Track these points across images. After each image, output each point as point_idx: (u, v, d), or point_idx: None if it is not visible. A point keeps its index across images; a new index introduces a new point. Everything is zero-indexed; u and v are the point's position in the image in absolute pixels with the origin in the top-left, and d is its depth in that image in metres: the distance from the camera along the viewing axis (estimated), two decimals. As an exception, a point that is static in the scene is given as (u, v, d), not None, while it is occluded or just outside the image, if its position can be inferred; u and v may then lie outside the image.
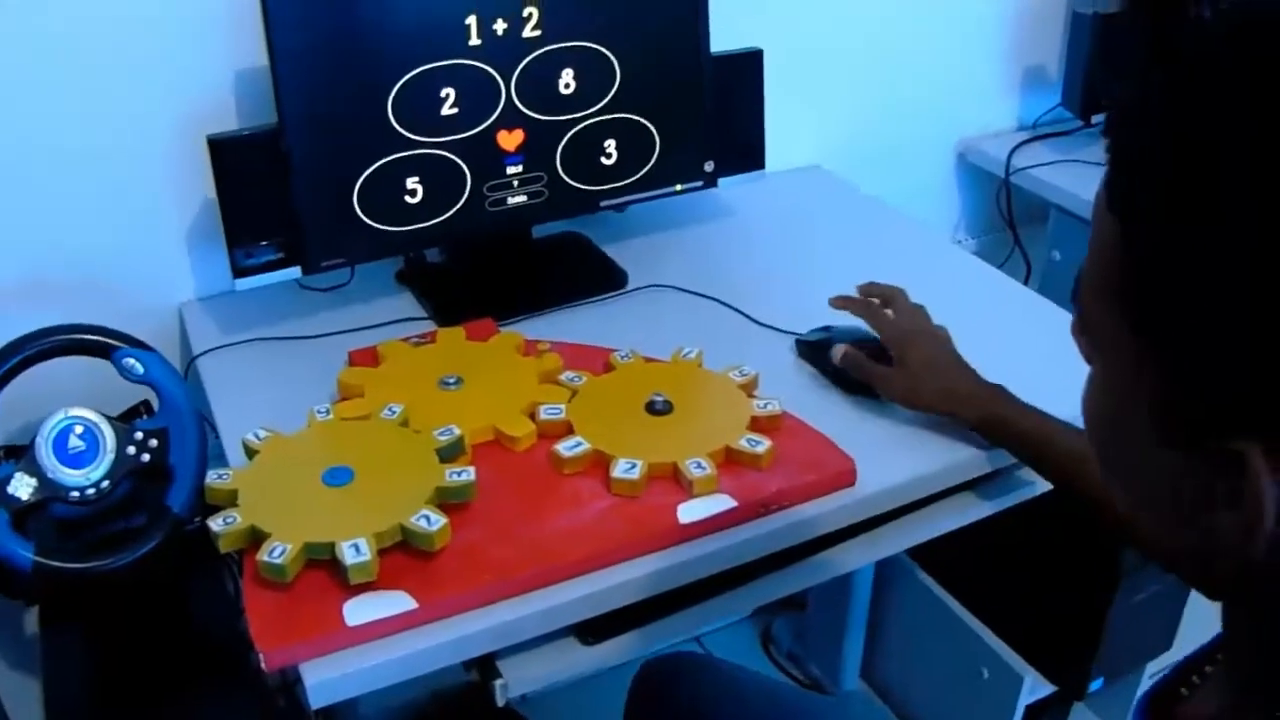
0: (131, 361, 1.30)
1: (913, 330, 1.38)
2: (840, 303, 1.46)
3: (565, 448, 1.26)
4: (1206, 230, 0.50)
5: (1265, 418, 0.51)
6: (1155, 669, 1.92)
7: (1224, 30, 0.52)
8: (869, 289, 1.47)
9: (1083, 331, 0.61)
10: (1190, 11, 0.54)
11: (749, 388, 1.38)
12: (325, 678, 1.05)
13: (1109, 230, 0.57)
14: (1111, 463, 0.64)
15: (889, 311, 1.42)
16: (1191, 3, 0.54)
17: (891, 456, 1.31)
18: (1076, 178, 2.13)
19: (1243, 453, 0.52)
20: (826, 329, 1.48)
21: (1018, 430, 1.27)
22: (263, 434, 1.28)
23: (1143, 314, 0.55)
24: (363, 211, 1.53)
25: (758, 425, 1.30)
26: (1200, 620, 1.84)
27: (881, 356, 1.37)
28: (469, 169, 1.57)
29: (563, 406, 1.33)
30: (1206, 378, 0.53)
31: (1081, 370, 0.63)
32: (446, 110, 1.53)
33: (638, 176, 1.70)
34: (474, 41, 1.51)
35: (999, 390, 1.31)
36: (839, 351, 1.41)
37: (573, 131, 1.63)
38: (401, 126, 1.51)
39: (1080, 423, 0.64)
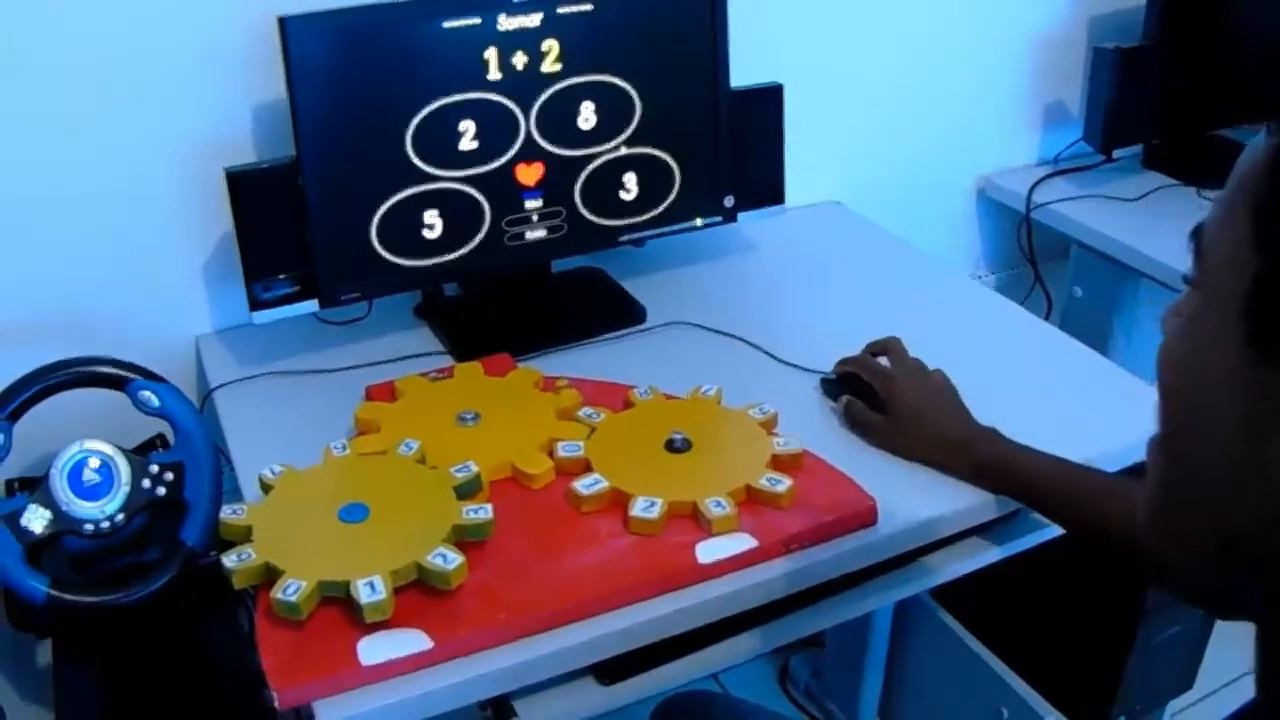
0: (147, 394, 1.30)
1: (903, 377, 1.38)
2: (838, 366, 1.46)
3: (583, 485, 1.25)
4: None
5: None
6: (1177, 708, 1.90)
7: None
8: (869, 346, 1.46)
9: (1195, 270, 0.64)
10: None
11: (769, 425, 1.36)
12: (339, 717, 1.04)
13: (1267, 150, 0.60)
14: (1179, 419, 0.67)
15: (883, 359, 1.41)
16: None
17: (913, 497, 1.29)
18: (1098, 213, 2.12)
19: None
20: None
21: (1015, 475, 1.26)
22: (278, 469, 1.27)
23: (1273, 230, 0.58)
24: (381, 245, 1.52)
25: (778, 464, 1.29)
26: (1222, 660, 1.82)
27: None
28: (488, 203, 1.57)
29: (581, 444, 1.31)
30: None
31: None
32: (466, 144, 1.53)
33: (657, 211, 1.70)
34: (493, 75, 1.51)
35: (990, 434, 1.30)
36: (843, 401, 1.42)
37: (592, 166, 1.62)
38: (420, 160, 1.51)
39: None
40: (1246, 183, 0.60)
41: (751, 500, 1.25)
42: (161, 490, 1.28)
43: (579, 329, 1.64)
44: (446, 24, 1.47)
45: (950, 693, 1.90)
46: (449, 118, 1.51)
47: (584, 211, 1.64)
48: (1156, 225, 2.06)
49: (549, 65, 1.54)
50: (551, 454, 1.31)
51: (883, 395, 1.37)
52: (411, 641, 1.08)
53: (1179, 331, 0.66)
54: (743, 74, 1.70)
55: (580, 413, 1.38)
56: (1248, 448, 0.61)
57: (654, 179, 1.68)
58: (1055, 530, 1.36)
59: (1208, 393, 0.63)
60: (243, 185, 1.47)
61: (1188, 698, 1.88)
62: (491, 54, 1.50)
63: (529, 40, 1.52)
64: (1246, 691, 0.66)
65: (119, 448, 1.28)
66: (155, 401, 1.30)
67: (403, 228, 1.53)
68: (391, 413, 1.39)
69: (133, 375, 1.30)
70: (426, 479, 1.25)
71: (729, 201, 1.74)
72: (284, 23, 1.39)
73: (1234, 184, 0.61)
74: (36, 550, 1.24)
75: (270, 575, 1.12)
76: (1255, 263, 0.58)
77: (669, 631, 1.17)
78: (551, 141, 1.58)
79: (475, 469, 1.25)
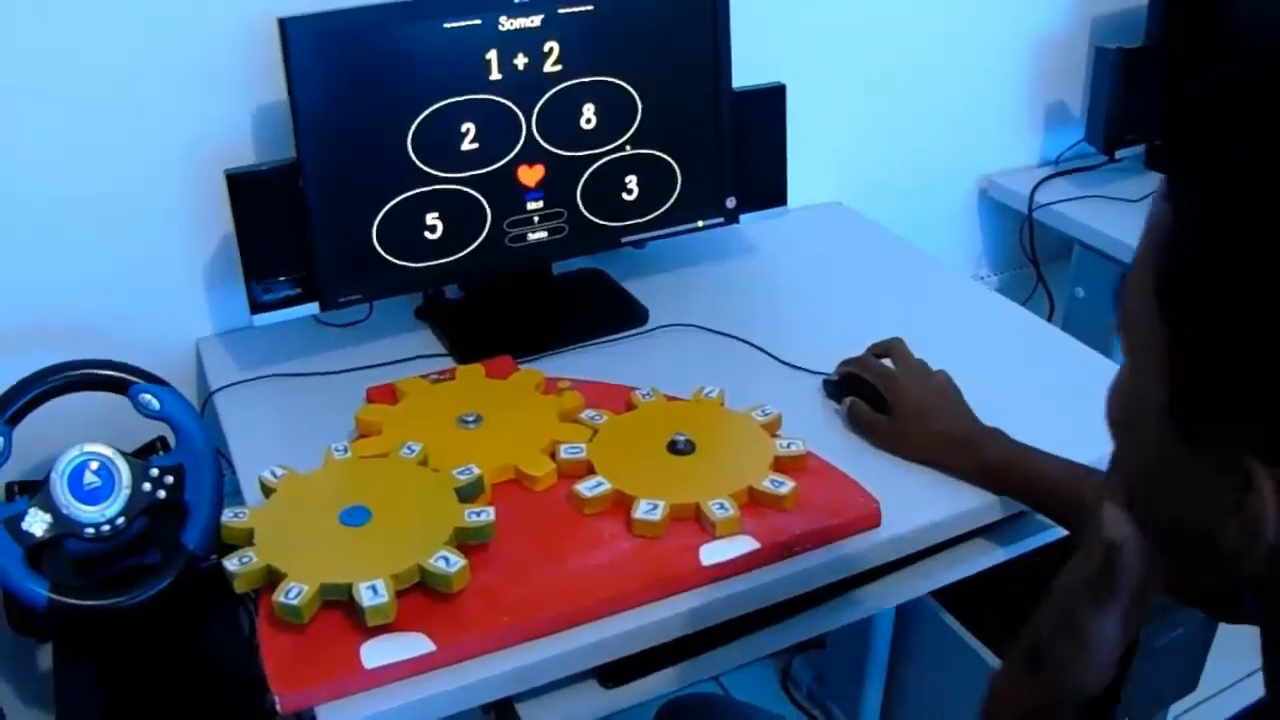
0: (148, 397, 1.29)
1: (906, 377, 1.38)
2: (841, 367, 1.45)
3: (586, 488, 1.24)
4: (1244, 219, 0.50)
5: (1270, 431, 0.52)
6: (1180, 710, 1.89)
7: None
8: (872, 347, 1.46)
9: (1120, 325, 0.62)
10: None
11: (771, 427, 1.36)
12: (341, 721, 1.03)
13: (1161, 216, 0.57)
14: (1126, 466, 0.65)
15: (886, 361, 1.41)
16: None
17: (917, 498, 1.29)
18: (1100, 214, 2.12)
19: (1247, 466, 0.53)
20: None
21: (1019, 476, 1.25)
22: (279, 472, 1.26)
23: (1176, 301, 0.55)
24: (381, 247, 1.52)
25: (781, 466, 1.28)
26: (1225, 662, 1.81)
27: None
28: (489, 205, 1.57)
29: (583, 446, 1.31)
30: (1220, 378, 0.53)
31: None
32: (467, 145, 1.52)
33: (659, 212, 1.69)
34: (495, 76, 1.51)
35: (995, 434, 1.29)
36: (846, 402, 1.41)
37: (594, 167, 1.62)
38: (421, 162, 1.50)
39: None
40: (1147, 254, 0.58)
41: (754, 502, 1.25)
42: (162, 493, 1.28)
43: (581, 331, 1.64)
44: (447, 25, 1.46)
45: (953, 695, 1.90)
46: (450, 119, 1.50)
47: (585, 213, 1.64)
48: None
49: (550, 66, 1.54)
50: (554, 456, 1.31)
51: (886, 396, 1.36)
52: (414, 645, 1.07)
53: (1118, 378, 0.64)
54: (744, 74, 1.70)
55: (582, 415, 1.38)
56: (1206, 497, 0.58)
57: (656, 180, 1.67)
58: (1059, 532, 1.36)
59: (1152, 449, 0.61)
60: (243, 187, 1.47)
61: (1191, 699, 1.87)
62: (492, 55, 1.50)
63: (530, 41, 1.51)
64: (1249, 694, 0.66)
65: (119, 451, 1.28)
66: (156, 404, 1.29)
67: (404, 229, 1.53)
68: (393, 415, 1.38)
69: (133, 378, 1.29)
70: (428, 481, 1.24)
71: (731, 203, 1.74)
72: (284, 24, 1.38)
73: (1142, 246, 0.59)
74: (37, 554, 1.24)
75: (272, 578, 1.12)
76: (1166, 334, 0.57)
77: (672, 634, 1.16)
78: (553, 142, 1.58)
79: (477, 471, 1.24)
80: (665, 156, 1.67)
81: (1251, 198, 0.49)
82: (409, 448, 1.29)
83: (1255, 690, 0.67)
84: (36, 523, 1.23)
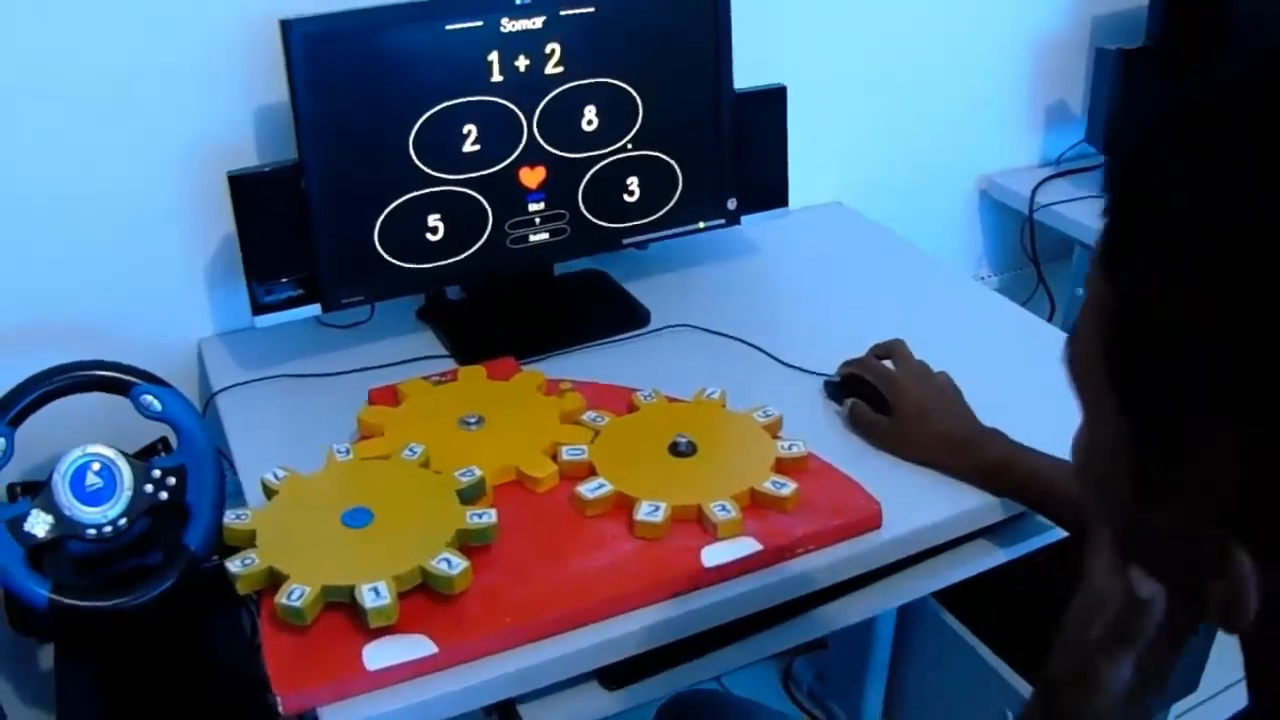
0: (150, 398, 1.29)
1: (907, 378, 1.38)
2: (843, 368, 1.45)
3: (588, 489, 1.24)
4: (1180, 289, 0.49)
5: (1246, 512, 0.51)
6: (1180, 710, 1.89)
7: (1216, 97, 0.51)
8: (873, 348, 1.46)
9: (1072, 385, 0.62)
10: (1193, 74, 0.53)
11: (773, 429, 1.36)
12: (343, 723, 1.03)
13: (1099, 282, 0.57)
14: (1101, 517, 0.65)
15: (887, 362, 1.41)
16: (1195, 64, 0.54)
17: (918, 499, 1.29)
18: (1101, 214, 2.11)
19: (1218, 539, 0.52)
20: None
21: (1021, 477, 1.25)
22: (281, 473, 1.26)
23: (1121, 370, 0.55)
24: (383, 249, 1.52)
25: (783, 467, 1.28)
26: (1226, 663, 1.81)
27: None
28: (490, 206, 1.57)
29: (585, 447, 1.31)
30: (1176, 448, 0.52)
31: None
32: (468, 147, 1.52)
33: (660, 214, 1.69)
34: (496, 78, 1.51)
35: (996, 435, 1.29)
36: (848, 403, 1.41)
37: (595, 169, 1.62)
38: (423, 163, 1.50)
39: None
40: (1091, 323, 0.58)
41: (756, 504, 1.25)
42: (164, 494, 1.28)
43: (582, 332, 1.64)
44: (449, 26, 1.47)
45: (954, 695, 1.90)
46: (451, 120, 1.50)
47: (587, 214, 1.64)
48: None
49: (551, 68, 1.54)
50: (555, 458, 1.31)
51: (887, 397, 1.36)
52: (416, 646, 1.07)
53: (1079, 434, 0.64)
54: (744, 75, 1.70)
55: (584, 416, 1.38)
56: (1186, 556, 0.57)
57: (657, 181, 1.67)
58: (1060, 533, 1.36)
59: (1127, 506, 0.60)
60: (245, 188, 1.47)
61: (1192, 699, 1.87)
62: (494, 56, 1.50)
63: (531, 43, 1.52)
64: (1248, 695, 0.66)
65: (121, 452, 1.28)
66: (157, 406, 1.30)
67: (405, 231, 1.53)
68: (395, 416, 1.39)
69: (135, 379, 1.29)
70: (430, 483, 1.24)
71: (732, 204, 1.74)
72: (286, 26, 1.39)
73: (1084, 315, 0.59)
74: (39, 554, 1.24)
75: (274, 580, 1.12)
76: (1116, 398, 0.56)
77: (674, 635, 1.16)
78: (554, 144, 1.58)
79: (479, 473, 1.25)
80: (666, 158, 1.67)
81: (1252, 198, 0.49)
82: (411, 449, 1.29)
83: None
84: (38, 523, 1.23)
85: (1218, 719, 1.84)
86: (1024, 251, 2.29)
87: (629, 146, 1.63)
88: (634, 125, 1.63)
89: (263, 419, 1.48)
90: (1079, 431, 0.63)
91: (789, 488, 1.24)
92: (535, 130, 1.56)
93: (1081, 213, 2.14)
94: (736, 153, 1.72)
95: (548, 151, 1.58)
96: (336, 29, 1.42)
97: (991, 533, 1.36)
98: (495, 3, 1.48)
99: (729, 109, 1.69)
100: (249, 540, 1.17)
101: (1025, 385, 1.39)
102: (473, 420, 1.37)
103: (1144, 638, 0.75)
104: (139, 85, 1.51)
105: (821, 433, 1.39)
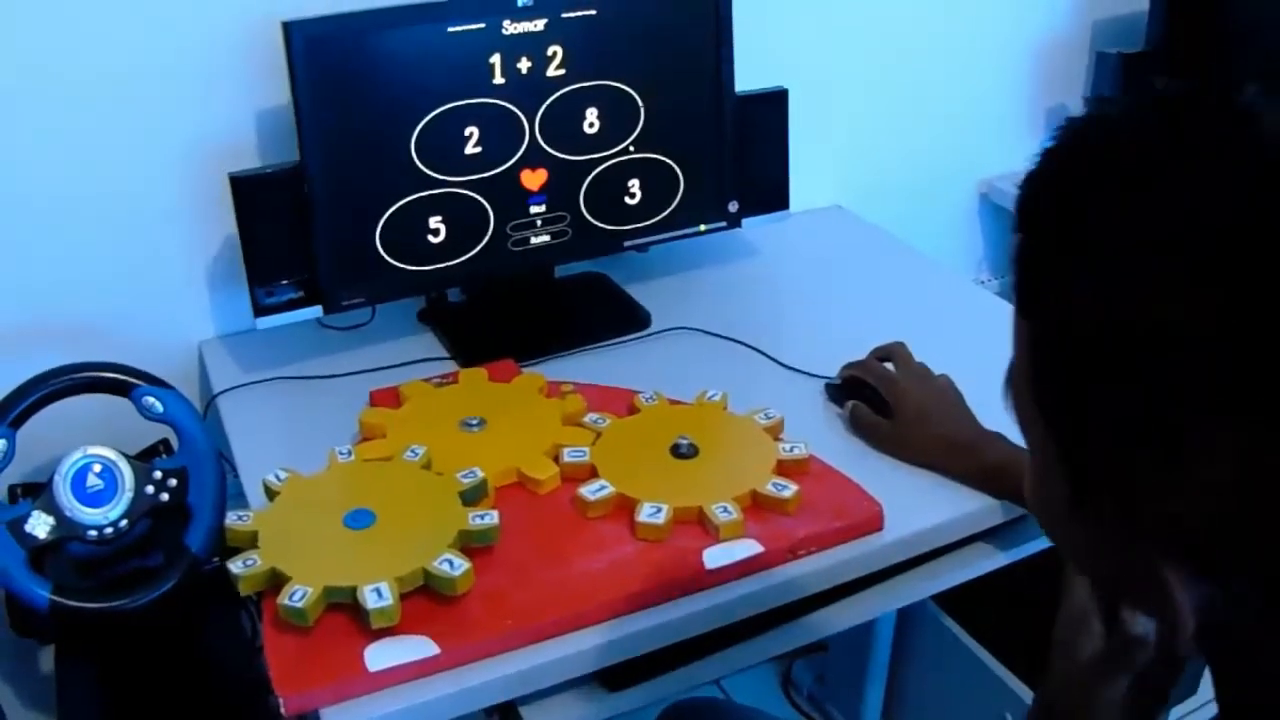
0: (151, 400, 1.29)
1: (908, 381, 1.38)
2: (844, 371, 1.45)
3: (589, 491, 1.24)
4: (1180, 289, 0.50)
5: (1177, 533, 0.52)
6: (1179, 714, 1.89)
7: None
8: (874, 351, 1.46)
9: (1017, 423, 0.64)
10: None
11: (774, 431, 1.36)
12: (345, 724, 1.03)
13: (1017, 319, 0.60)
14: (1057, 542, 0.66)
15: (888, 365, 1.41)
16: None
17: (918, 502, 1.29)
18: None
19: (1155, 566, 0.53)
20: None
21: (1018, 479, 1.25)
22: (283, 475, 1.26)
23: (1045, 407, 0.57)
24: (385, 250, 1.52)
25: (784, 469, 1.29)
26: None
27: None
28: (492, 208, 1.57)
29: (586, 449, 1.31)
30: (1110, 471, 0.54)
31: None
32: (470, 149, 1.53)
33: (661, 216, 1.69)
34: (498, 80, 1.51)
35: (996, 438, 1.29)
36: (849, 405, 1.41)
37: (596, 171, 1.62)
38: (424, 165, 1.50)
39: None
40: (1021, 365, 0.59)
41: (757, 506, 1.25)
42: (165, 496, 1.28)
43: (583, 334, 1.64)
44: (451, 29, 1.47)
45: (954, 698, 1.90)
46: (453, 123, 1.51)
47: (588, 217, 1.64)
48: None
49: (553, 70, 1.54)
50: (557, 459, 1.31)
51: (888, 400, 1.36)
52: (418, 648, 1.07)
53: (1028, 472, 0.65)
54: (745, 78, 1.70)
55: (585, 418, 1.38)
56: (1137, 584, 0.58)
57: (658, 184, 1.68)
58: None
59: (1078, 538, 0.62)
60: (246, 190, 1.47)
61: (1190, 704, 1.87)
62: (496, 59, 1.50)
63: (533, 45, 1.52)
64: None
65: (122, 453, 1.28)
66: (159, 407, 1.29)
67: (407, 233, 1.53)
68: (396, 418, 1.39)
69: (136, 381, 1.29)
70: (432, 485, 1.24)
71: (733, 207, 1.74)
72: (288, 27, 1.39)
73: (1016, 357, 0.61)
74: (40, 556, 1.24)
75: (276, 581, 1.12)
76: (1052, 435, 0.57)
77: (676, 637, 1.17)
78: (556, 146, 1.58)
79: (481, 475, 1.25)
80: (668, 160, 1.67)
81: (1252, 198, 0.49)
82: (413, 451, 1.29)
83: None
84: (39, 525, 1.23)
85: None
86: (1024, 255, 2.29)
87: (630, 149, 1.64)
88: (635, 128, 1.63)
89: (264, 421, 1.48)
90: (1028, 470, 0.65)
91: (790, 490, 1.24)
92: (537, 132, 1.56)
93: (1081, 216, 2.14)
94: (737, 155, 1.72)
95: (549, 154, 1.58)
96: (338, 31, 1.42)
97: (992, 536, 1.36)
98: (497, 5, 1.48)
99: (730, 112, 1.69)
100: (251, 541, 1.17)
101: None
102: (474, 422, 1.37)
103: (1141, 659, 0.75)
104: (140, 86, 1.51)
105: (822, 435, 1.39)
